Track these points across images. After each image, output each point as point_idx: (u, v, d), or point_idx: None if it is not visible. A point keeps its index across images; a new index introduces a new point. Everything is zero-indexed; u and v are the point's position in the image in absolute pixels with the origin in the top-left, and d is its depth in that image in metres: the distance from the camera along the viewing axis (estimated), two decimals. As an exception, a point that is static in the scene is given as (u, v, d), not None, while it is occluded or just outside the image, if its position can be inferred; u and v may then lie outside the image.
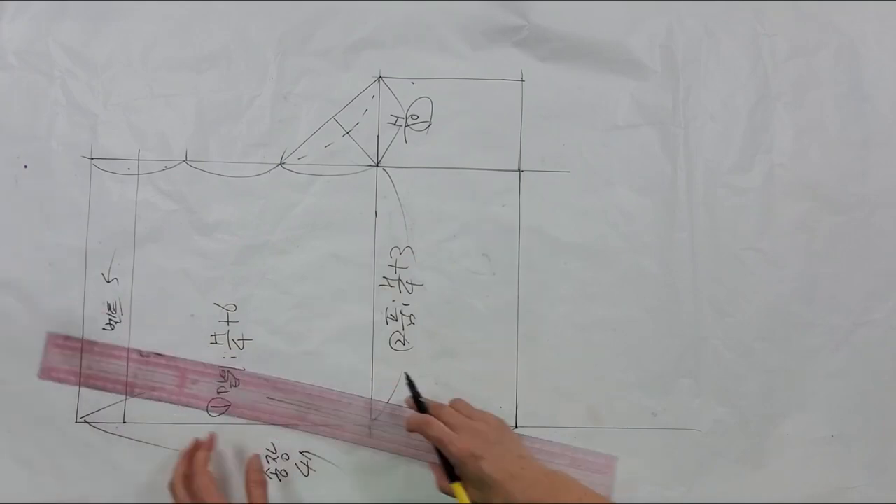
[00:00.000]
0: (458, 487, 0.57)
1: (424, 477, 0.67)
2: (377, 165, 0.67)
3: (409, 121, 0.67)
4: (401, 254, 0.67)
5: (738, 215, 0.67)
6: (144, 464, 0.65)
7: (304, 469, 0.66)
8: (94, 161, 0.66)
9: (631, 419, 0.67)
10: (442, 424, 0.58)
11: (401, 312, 0.67)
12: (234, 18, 0.67)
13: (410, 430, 0.60)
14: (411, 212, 0.67)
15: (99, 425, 0.65)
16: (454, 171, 0.67)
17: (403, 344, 0.67)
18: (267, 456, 0.66)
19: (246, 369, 0.66)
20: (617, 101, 0.67)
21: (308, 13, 0.67)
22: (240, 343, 0.66)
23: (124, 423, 0.65)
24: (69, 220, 0.66)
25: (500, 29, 0.67)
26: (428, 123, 0.67)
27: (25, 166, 0.66)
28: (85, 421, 0.65)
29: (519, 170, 0.67)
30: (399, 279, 0.67)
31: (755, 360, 0.67)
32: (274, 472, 0.66)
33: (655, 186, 0.67)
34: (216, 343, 0.66)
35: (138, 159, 0.66)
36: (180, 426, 0.65)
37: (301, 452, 0.66)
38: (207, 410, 0.66)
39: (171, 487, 0.62)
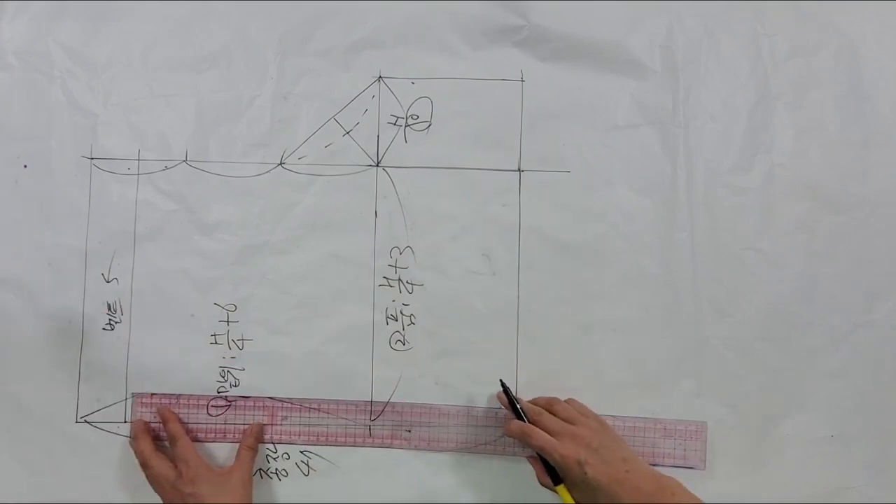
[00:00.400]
0: (562, 490, 0.57)
1: (425, 477, 0.67)
2: (377, 165, 0.67)
3: (409, 121, 0.67)
4: (401, 254, 0.67)
5: (738, 215, 0.67)
6: (144, 464, 0.65)
7: (305, 469, 0.66)
8: (94, 161, 0.66)
9: (631, 419, 0.67)
10: (543, 433, 0.58)
11: (401, 312, 0.67)
12: (234, 18, 0.67)
13: (509, 436, 0.60)
14: (411, 212, 0.67)
15: (99, 425, 0.65)
16: (454, 171, 0.67)
17: (403, 344, 0.67)
18: (267, 456, 0.66)
19: (246, 369, 0.66)
20: (617, 101, 0.67)
21: (308, 13, 0.67)
22: (240, 343, 0.66)
23: (125, 422, 0.65)
24: (69, 220, 0.66)
25: (500, 29, 0.67)
26: (428, 123, 0.67)
27: (25, 166, 0.66)
28: (85, 421, 0.65)
29: (519, 170, 0.67)
30: (399, 279, 0.67)
31: (755, 360, 0.67)
32: (274, 471, 0.66)
33: (655, 186, 0.67)
34: (216, 343, 0.66)
35: (138, 159, 0.66)
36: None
37: (301, 452, 0.66)
38: (208, 410, 0.66)
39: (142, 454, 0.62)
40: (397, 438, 0.67)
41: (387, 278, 0.67)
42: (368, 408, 0.67)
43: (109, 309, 0.66)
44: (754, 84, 0.67)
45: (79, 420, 0.65)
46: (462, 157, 0.67)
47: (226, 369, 0.66)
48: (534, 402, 0.63)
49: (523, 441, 0.59)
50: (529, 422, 0.60)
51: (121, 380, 0.66)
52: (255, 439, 0.65)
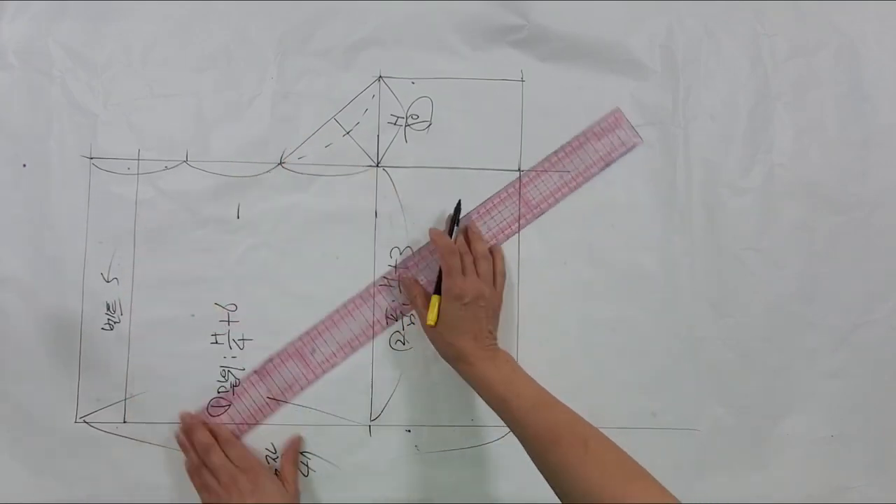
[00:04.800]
0: (434, 299, 0.61)
1: (425, 477, 0.67)
2: (377, 165, 0.67)
3: (409, 121, 0.67)
4: (401, 254, 0.67)
5: (738, 215, 0.67)
6: (144, 464, 0.65)
7: (304, 469, 0.66)
8: (93, 161, 0.66)
9: (631, 419, 0.67)
10: (457, 259, 0.61)
11: (401, 312, 0.67)
12: (234, 18, 0.67)
13: (433, 241, 0.63)
14: (411, 212, 0.67)
15: (99, 425, 0.65)
16: (454, 171, 0.67)
17: (403, 344, 0.67)
18: (267, 456, 0.66)
19: (246, 369, 0.66)
20: (617, 101, 0.67)
21: (308, 13, 0.67)
22: (240, 343, 0.66)
23: (124, 422, 0.65)
24: (69, 219, 0.66)
25: (500, 29, 0.67)
26: (428, 123, 0.67)
27: (25, 166, 0.66)
28: (84, 421, 0.65)
29: (519, 170, 0.67)
30: (399, 279, 0.67)
31: (755, 360, 0.67)
32: (274, 471, 0.66)
33: (655, 186, 0.67)
34: (216, 343, 0.66)
35: (138, 159, 0.66)
36: (180, 426, 0.65)
37: (301, 452, 0.66)
38: (208, 410, 0.66)
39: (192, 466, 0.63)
40: (397, 438, 0.66)
41: (387, 278, 0.67)
42: (368, 408, 0.67)
43: (109, 309, 0.66)
44: (754, 84, 0.67)
45: (78, 420, 0.65)
46: (462, 157, 0.67)
47: (226, 369, 0.66)
48: (471, 233, 0.65)
49: (435, 248, 0.63)
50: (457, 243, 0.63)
51: (120, 380, 0.65)
52: (295, 451, 0.65)
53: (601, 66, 0.67)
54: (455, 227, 0.64)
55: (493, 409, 0.58)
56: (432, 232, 0.63)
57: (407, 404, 0.66)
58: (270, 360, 0.66)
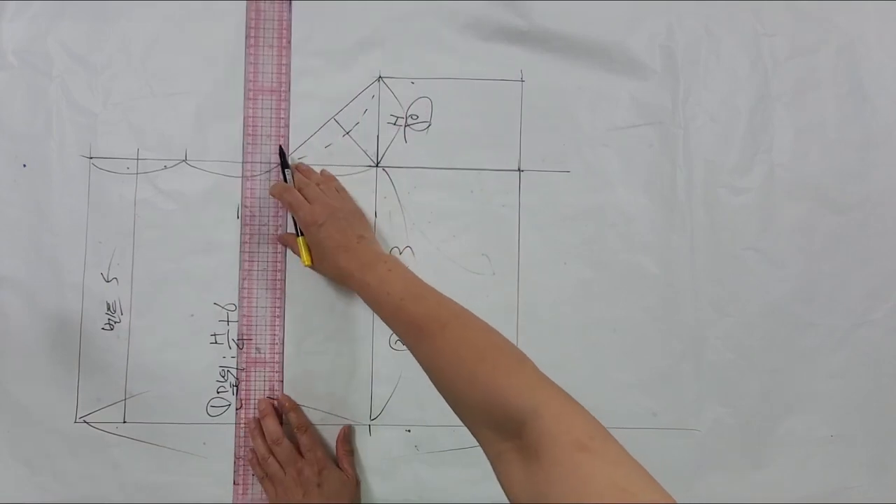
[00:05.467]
0: (302, 242, 0.63)
1: (424, 477, 0.67)
2: (377, 165, 0.67)
3: (409, 121, 0.67)
4: (401, 254, 0.67)
5: (738, 215, 0.67)
6: (144, 464, 0.65)
7: (304, 469, 0.66)
8: (93, 160, 0.66)
9: (631, 419, 0.67)
10: (298, 195, 0.62)
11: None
12: (234, 18, 0.67)
13: (271, 195, 0.64)
14: (411, 212, 0.67)
15: (98, 425, 0.65)
16: (454, 171, 0.67)
17: (403, 344, 0.67)
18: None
19: (246, 369, 0.66)
20: (617, 101, 0.67)
21: (308, 13, 0.67)
22: (240, 343, 0.66)
23: (124, 423, 0.65)
24: (68, 219, 0.65)
25: (500, 29, 0.67)
26: (428, 123, 0.67)
27: (24, 165, 0.65)
28: (84, 421, 0.65)
29: (519, 170, 0.67)
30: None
31: (755, 360, 0.67)
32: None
33: (655, 186, 0.67)
34: (216, 343, 0.66)
35: (137, 159, 0.66)
36: (180, 426, 0.65)
37: (301, 452, 0.66)
38: (207, 410, 0.66)
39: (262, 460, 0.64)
40: (397, 438, 0.66)
41: (387, 278, 0.67)
42: (368, 408, 0.67)
43: (109, 308, 0.66)
44: (754, 84, 0.67)
45: (78, 420, 0.65)
46: (462, 157, 0.67)
47: (226, 369, 0.66)
48: (301, 170, 0.66)
49: (280, 199, 0.63)
50: (295, 186, 0.63)
51: (120, 380, 0.65)
52: (348, 442, 0.66)
53: (601, 66, 0.67)
54: (286, 172, 0.64)
55: (378, 315, 0.56)
56: (272, 189, 0.64)
57: (407, 404, 0.66)
58: (271, 359, 0.66)
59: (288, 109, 0.66)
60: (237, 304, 0.66)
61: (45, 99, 0.66)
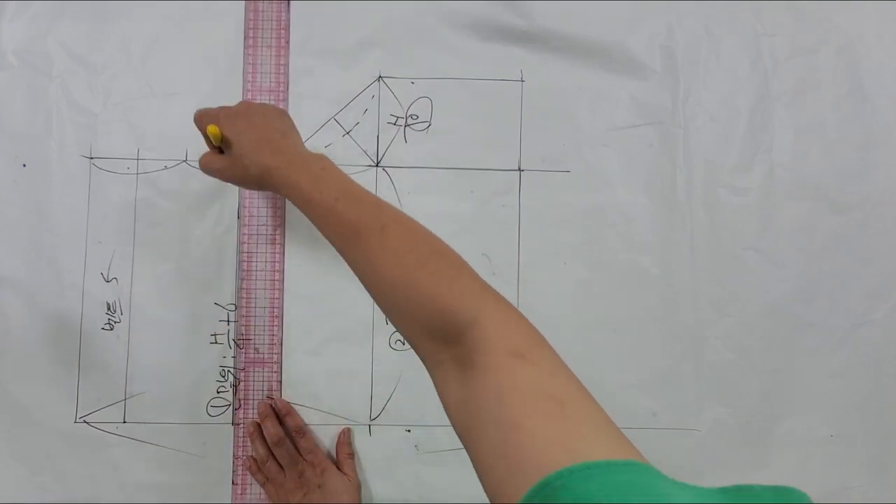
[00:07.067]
0: (213, 127, 0.54)
1: (424, 477, 0.67)
2: (377, 165, 0.67)
3: (409, 121, 0.67)
4: (401, 254, 0.67)
5: (738, 215, 0.67)
6: (144, 464, 0.65)
7: (304, 469, 0.66)
8: (93, 161, 0.66)
9: (631, 419, 0.66)
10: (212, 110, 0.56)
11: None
12: (234, 18, 0.67)
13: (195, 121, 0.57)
14: (411, 212, 0.67)
15: (98, 425, 0.65)
16: (454, 171, 0.67)
17: (403, 344, 0.67)
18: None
19: (246, 369, 0.66)
20: (617, 101, 0.67)
21: (308, 13, 0.67)
22: (240, 343, 0.66)
23: (124, 422, 0.65)
24: (68, 219, 0.65)
25: (500, 29, 0.67)
26: (428, 123, 0.67)
27: (24, 165, 0.65)
28: (84, 421, 0.65)
29: (519, 170, 0.67)
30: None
31: (755, 360, 0.67)
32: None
33: (655, 186, 0.67)
34: (216, 343, 0.66)
35: (137, 159, 0.66)
36: (180, 426, 0.65)
37: (301, 452, 0.66)
38: (207, 410, 0.66)
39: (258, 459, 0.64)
40: (397, 438, 0.66)
41: (387, 278, 0.67)
42: (368, 408, 0.67)
43: (109, 309, 0.66)
44: (754, 84, 0.67)
45: (78, 420, 0.65)
46: (462, 157, 0.67)
47: (226, 369, 0.66)
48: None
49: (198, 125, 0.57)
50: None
51: (120, 380, 0.65)
52: (349, 445, 0.66)
53: (601, 66, 0.67)
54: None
55: (308, 217, 0.51)
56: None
57: (407, 404, 0.66)
58: (269, 359, 0.66)
59: (286, 109, 0.66)
60: (237, 304, 0.66)
61: (45, 99, 0.66)
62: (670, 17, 0.67)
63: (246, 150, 0.53)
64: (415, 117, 0.67)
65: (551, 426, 0.32)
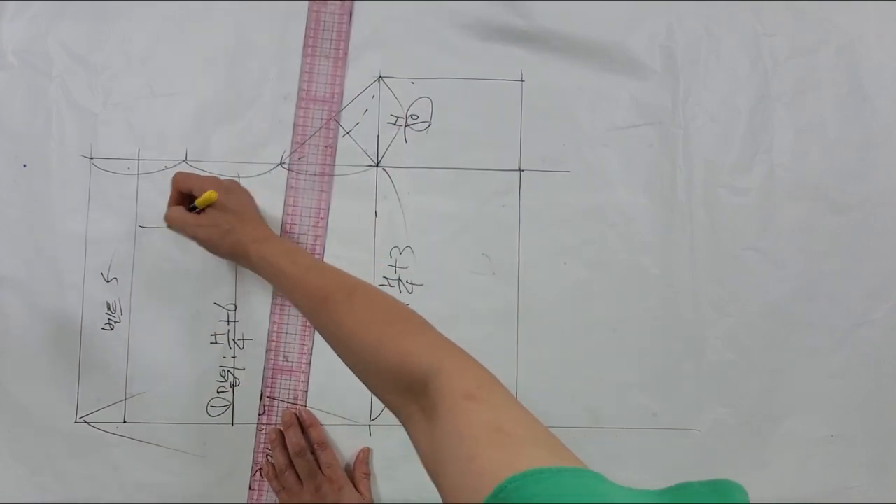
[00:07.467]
0: (213, 193, 0.59)
1: (425, 477, 0.66)
2: (377, 165, 0.67)
3: (409, 121, 0.67)
4: (401, 254, 0.67)
5: (738, 215, 0.67)
6: (144, 464, 0.65)
7: (304, 469, 0.66)
8: (93, 161, 0.66)
9: (631, 419, 0.67)
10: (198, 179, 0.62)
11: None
12: (234, 18, 0.67)
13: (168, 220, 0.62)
14: (411, 212, 0.67)
15: (99, 425, 0.65)
16: (454, 171, 0.67)
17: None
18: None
19: (246, 369, 0.66)
20: (617, 102, 0.67)
21: (309, 13, 0.67)
22: (240, 343, 0.66)
23: (124, 422, 0.65)
24: (68, 219, 0.66)
25: (500, 29, 0.67)
26: (428, 123, 0.67)
27: (24, 165, 0.66)
28: (84, 421, 0.65)
29: (519, 170, 0.67)
30: (399, 279, 0.67)
31: (755, 360, 0.67)
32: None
33: (655, 186, 0.67)
34: (216, 343, 0.66)
35: (138, 159, 0.66)
36: (180, 426, 0.65)
37: (301, 452, 0.66)
38: (207, 410, 0.66)
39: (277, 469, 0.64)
40: (397, 438, 0.66)
41: (387, 278, 0.67)
42: (368, 408, 0.67)
43: (109, 309, 0.66)
44: (754, 84, 0.67)
45: (78, 420, 0.65)
46: (462, 157, 0.67)
47: (226, 369, 0.66)
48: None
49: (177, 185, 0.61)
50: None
51: (120, 380, 0.65)
52: (367, 464, 0.66)
53: (601, 66, 0.67)
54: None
55: (275, 286, 0.58)
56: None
57: (407, 404, 0.66)
58: (271, 359, 0.66)
59: (290, 111, 0.66)
60: (237, 304, 0.66)
61: (45, 99, 0.66)
62: (670, 17, 0.67)
63: (234, 221, 0.60)
64: (415, 117, 0.67)
65: (500, 452, 0.35)
